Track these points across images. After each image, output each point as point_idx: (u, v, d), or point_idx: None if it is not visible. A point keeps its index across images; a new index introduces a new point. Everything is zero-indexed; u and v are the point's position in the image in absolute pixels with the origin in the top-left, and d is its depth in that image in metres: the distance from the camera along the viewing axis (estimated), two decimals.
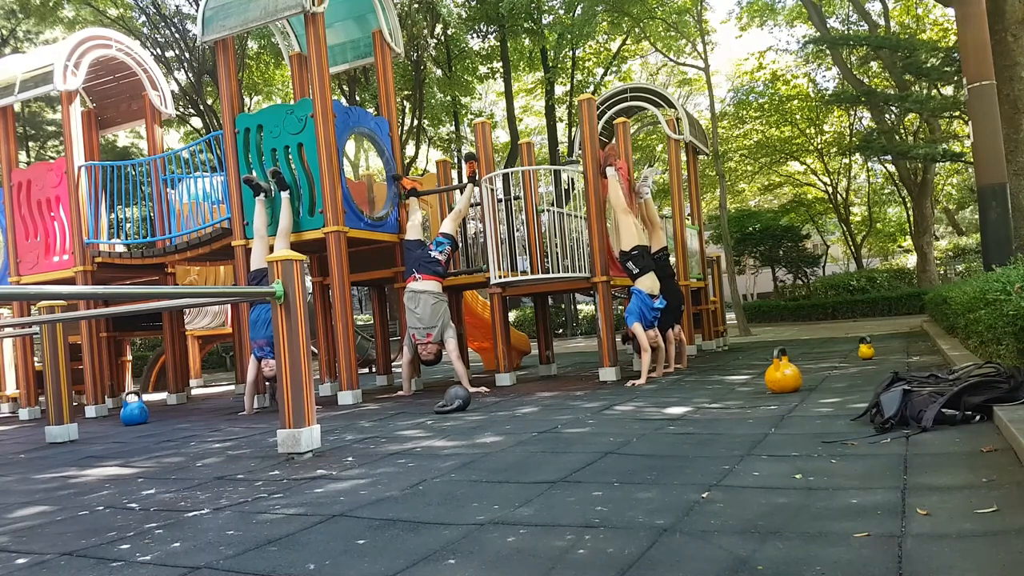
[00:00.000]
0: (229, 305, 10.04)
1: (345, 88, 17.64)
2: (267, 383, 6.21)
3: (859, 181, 26.02)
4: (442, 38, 18.76)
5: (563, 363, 9.07)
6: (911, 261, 20.63)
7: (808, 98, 22.02)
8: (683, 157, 9.67)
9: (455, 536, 2.01)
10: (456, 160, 22.72)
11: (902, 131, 19.13)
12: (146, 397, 8.55)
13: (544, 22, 19.83)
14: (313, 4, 6.00)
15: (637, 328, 6.05)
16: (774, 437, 3.11)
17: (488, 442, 3.55)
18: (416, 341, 6.22)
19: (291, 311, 3.40)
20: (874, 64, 18.82)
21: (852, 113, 22.02)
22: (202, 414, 6.40)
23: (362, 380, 7.06)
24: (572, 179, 7.71)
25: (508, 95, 21.04)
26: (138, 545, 2.16)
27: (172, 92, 12.73)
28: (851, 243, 23.32)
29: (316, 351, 8.33)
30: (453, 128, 22.00)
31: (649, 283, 6.22)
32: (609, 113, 9.58)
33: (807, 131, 22.76)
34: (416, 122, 18.96)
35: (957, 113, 14.97)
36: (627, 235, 6.32)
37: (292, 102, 6.91)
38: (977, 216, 10.46)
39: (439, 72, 19.63)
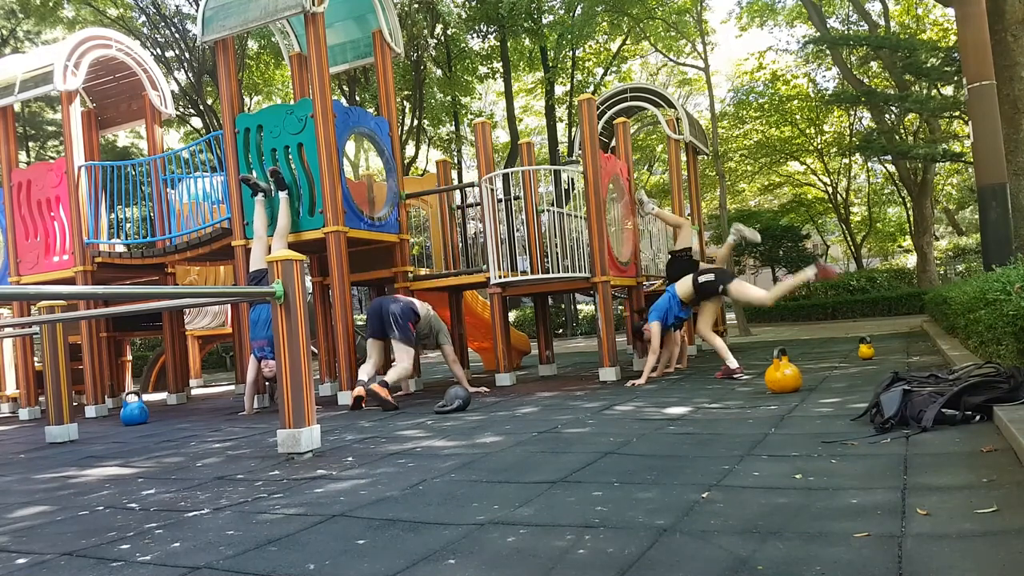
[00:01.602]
0: (229, 305, 10.04)
1: (345, 88, 17.64)
2: (267, 383, 6.21)
3: (859, 181, 26.00)
4: (442, 38, 18.76)
5: (563, 363, 9.06)
6: (911, 261, 20.61)
7: (808, 98, 22.00)
8: (683, 157, 9.67)
9: (455, 536, 2.01)
10: (456, 160, 22.73)
11: (902, 131, 19.12)
12: (146, 397, 8.55)
13: (544, 22, 19.82)
14: (313, 4, 6.00)
15: (655, 327, 6.01)
16: (774, 437, 3.11)
17: (488, 442, 3.55)
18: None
19: (291, 311, 3.40)
20: (874, 64, 18.81)
21: (852, 113, 22.00)
22: (202, 414, 6.40)
23: None
24: (572, 179, 7.71)
25: (508, 95, 21.03)
26: (138, 545, 2.16)
27: (172, 92, 12.73)
28: (851, 243, 23.31)
29: (316, 351, 8.33)
30: (453, 128, 22.00)
31: (685, 289, 6.14)
32: (609, 113, 9.58)
33: (807, 131, 22.74)
34: (416, 122, 18.96)
35: (957, 113, 14.96)
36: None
37: (292, 102, 6.91)
38: (977, 216, 10.45)
39: (439, 72, 19.63)
